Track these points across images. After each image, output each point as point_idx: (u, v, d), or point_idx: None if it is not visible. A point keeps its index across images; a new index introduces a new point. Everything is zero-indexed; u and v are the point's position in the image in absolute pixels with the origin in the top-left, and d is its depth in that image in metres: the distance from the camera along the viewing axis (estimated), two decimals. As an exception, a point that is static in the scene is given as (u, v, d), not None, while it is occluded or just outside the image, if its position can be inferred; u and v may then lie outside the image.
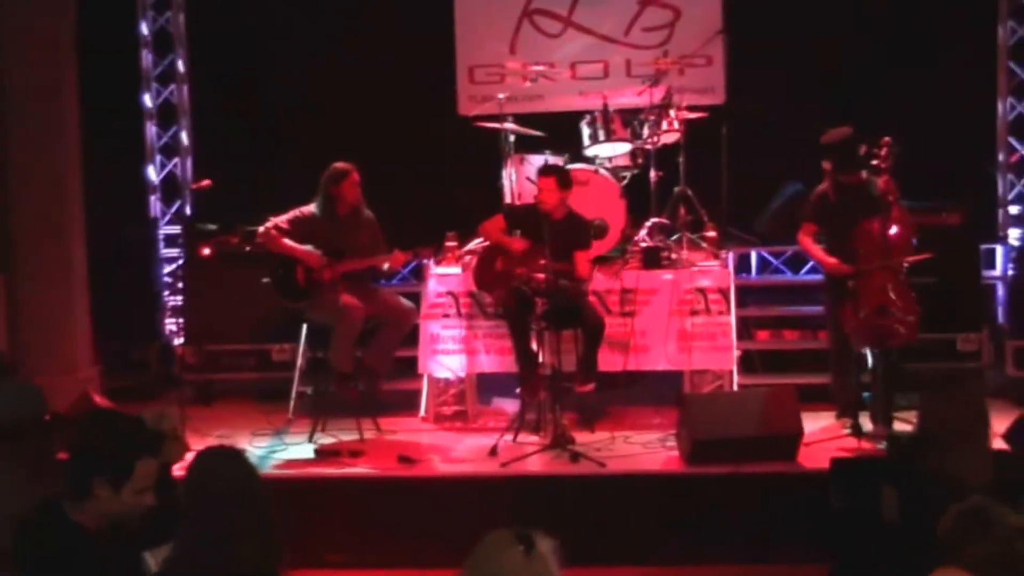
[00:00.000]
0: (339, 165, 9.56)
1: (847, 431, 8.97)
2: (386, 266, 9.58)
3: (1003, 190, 11.61)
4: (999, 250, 11.32)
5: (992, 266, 11.28)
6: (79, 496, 4.56)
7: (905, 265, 8.98)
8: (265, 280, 9.58)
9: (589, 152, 10.64)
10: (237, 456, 4.66)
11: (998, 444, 6.53)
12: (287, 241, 9.45)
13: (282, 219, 9.53)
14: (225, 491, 4.46)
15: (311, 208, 9.58)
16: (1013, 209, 11.47)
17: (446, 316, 10.08)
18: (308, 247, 9.42)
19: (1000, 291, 11.23)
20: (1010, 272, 11.16)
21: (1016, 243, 11.28)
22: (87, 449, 4.64)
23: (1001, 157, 11.62)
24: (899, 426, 8.93)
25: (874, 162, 8.94)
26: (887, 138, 8.93)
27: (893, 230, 8.91)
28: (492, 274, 9.61)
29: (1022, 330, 10.56)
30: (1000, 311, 11.16)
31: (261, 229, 9.57)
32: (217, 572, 4.33)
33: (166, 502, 4.69)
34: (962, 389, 5.63)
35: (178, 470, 5.63)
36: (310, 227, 9.54)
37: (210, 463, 4.62)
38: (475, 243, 10.20)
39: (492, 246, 9.71)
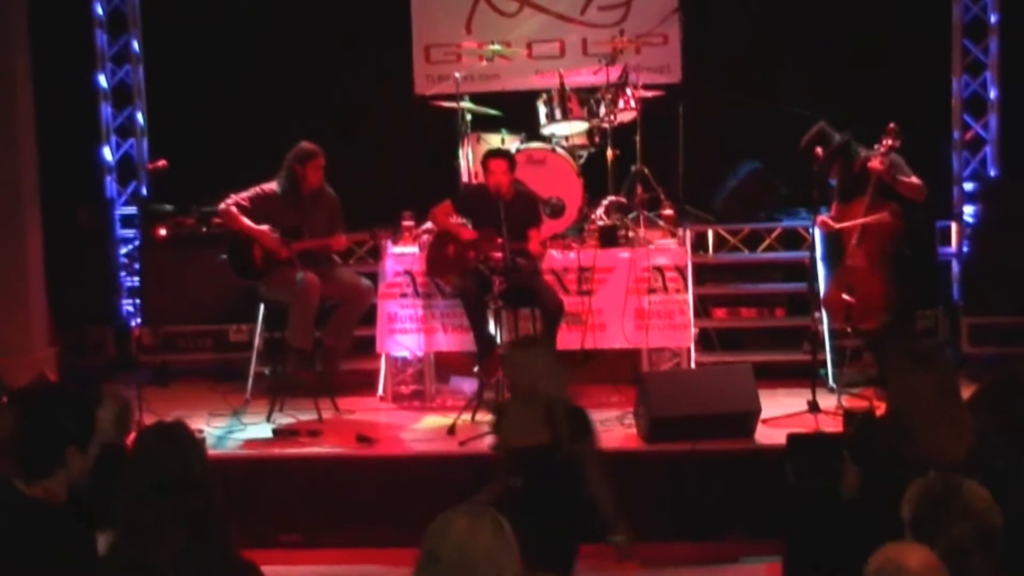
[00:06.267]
0: (307, 145, 9.51)
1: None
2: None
3: (958, 167, 11.63)
4: (954, 227, 11.37)
5: (947, 243, 11.33)
6: (49, 470, 4.53)
7: (887, 249, 9.18)
8: (222, 258, 9.56)
9: (546, 131, 10.65)
10: (178, 436, 4.59)
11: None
12: (245, 220, 9.40)
13: (242, 196, 9.49)
14: (163, 474, 4.37)
15: (272, 186, 9.54)
16: (968, 186, 11.51)
17: (403, 295, 10.09)
18: (265, 227, 9.38)
19: (955, 268, 11.28)
20: (965, 249, 11.21)
21: (971, 220, 11.32)
22: (52, 424, 4.58)
23: (956, 135, 11.66)
24: (852, 403, 9.02)
25: (877, 145, 9.10)
26: (892, 124, 9.14)
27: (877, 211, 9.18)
28: (444, 259, 9.61)
29: (977, 307, 10.63)
30: (955, 288, 11.22)
31: (221, 206, 9.52)
32: (159, 556, 4.23)
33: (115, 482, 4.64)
34: (932, 363, 5.55)
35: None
36: (270, 205, 9.50)
37: (149, 444, 4.56)
38: (428, 225, 10.18)
39: (441, 232, 9.72)
